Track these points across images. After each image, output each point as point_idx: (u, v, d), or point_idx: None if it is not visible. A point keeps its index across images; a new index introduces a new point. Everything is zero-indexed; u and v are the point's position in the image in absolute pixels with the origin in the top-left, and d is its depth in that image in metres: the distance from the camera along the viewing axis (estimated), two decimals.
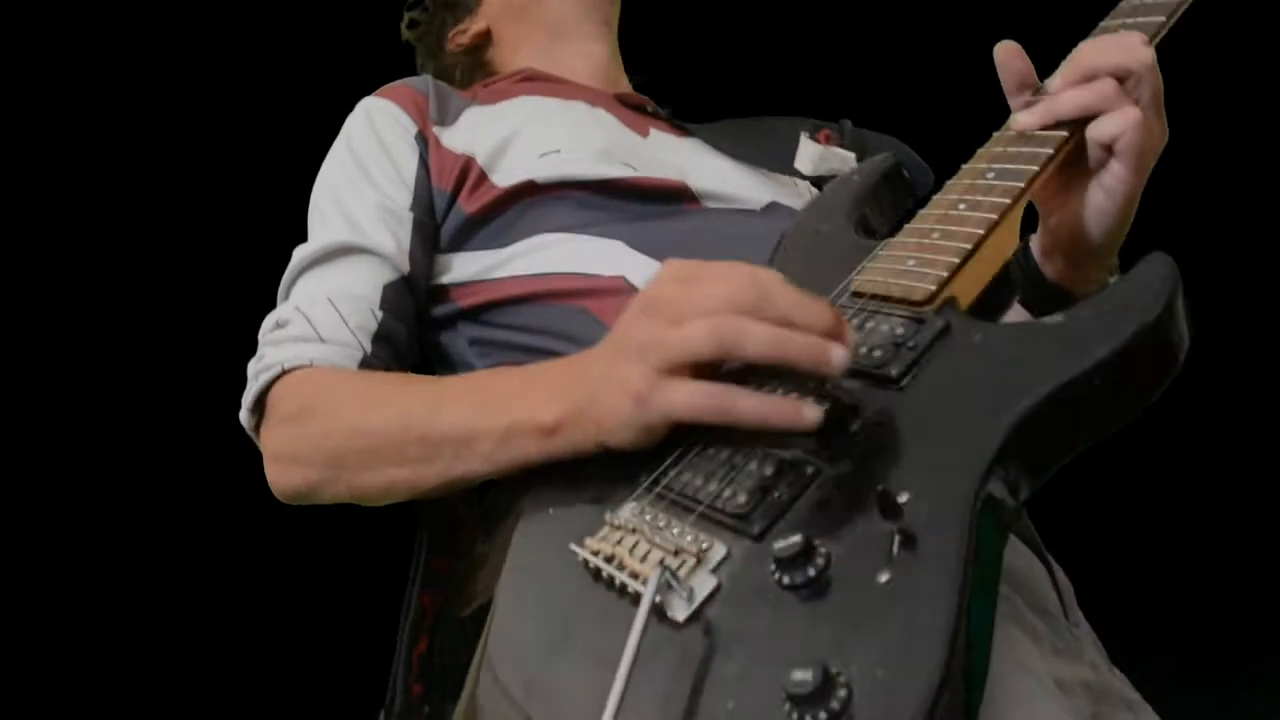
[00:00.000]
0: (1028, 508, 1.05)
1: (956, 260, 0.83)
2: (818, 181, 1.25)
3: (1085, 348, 0.70)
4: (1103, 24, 0.98)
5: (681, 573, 0.68)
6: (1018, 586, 0.93)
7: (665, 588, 0.67)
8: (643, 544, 0.72)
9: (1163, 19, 0.95)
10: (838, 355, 0.71)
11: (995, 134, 0.95)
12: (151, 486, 2.26)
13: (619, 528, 0.74)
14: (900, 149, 1.22)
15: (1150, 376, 0.73)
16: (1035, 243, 0.99)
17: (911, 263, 0.85)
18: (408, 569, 1.01)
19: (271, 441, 0.98)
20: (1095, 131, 0.88)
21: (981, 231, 0.85)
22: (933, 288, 0.81)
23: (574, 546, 0.75)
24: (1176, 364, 0.74)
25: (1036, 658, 0.87)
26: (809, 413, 0.71)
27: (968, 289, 0.85)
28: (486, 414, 0.85)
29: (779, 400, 0.73)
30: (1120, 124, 0.86)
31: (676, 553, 0.70)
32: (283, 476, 0.97)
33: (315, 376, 0.99)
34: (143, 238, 2.25)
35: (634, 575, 0.70)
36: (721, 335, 0.72)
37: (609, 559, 0.72)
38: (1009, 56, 0.92)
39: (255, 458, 1.02)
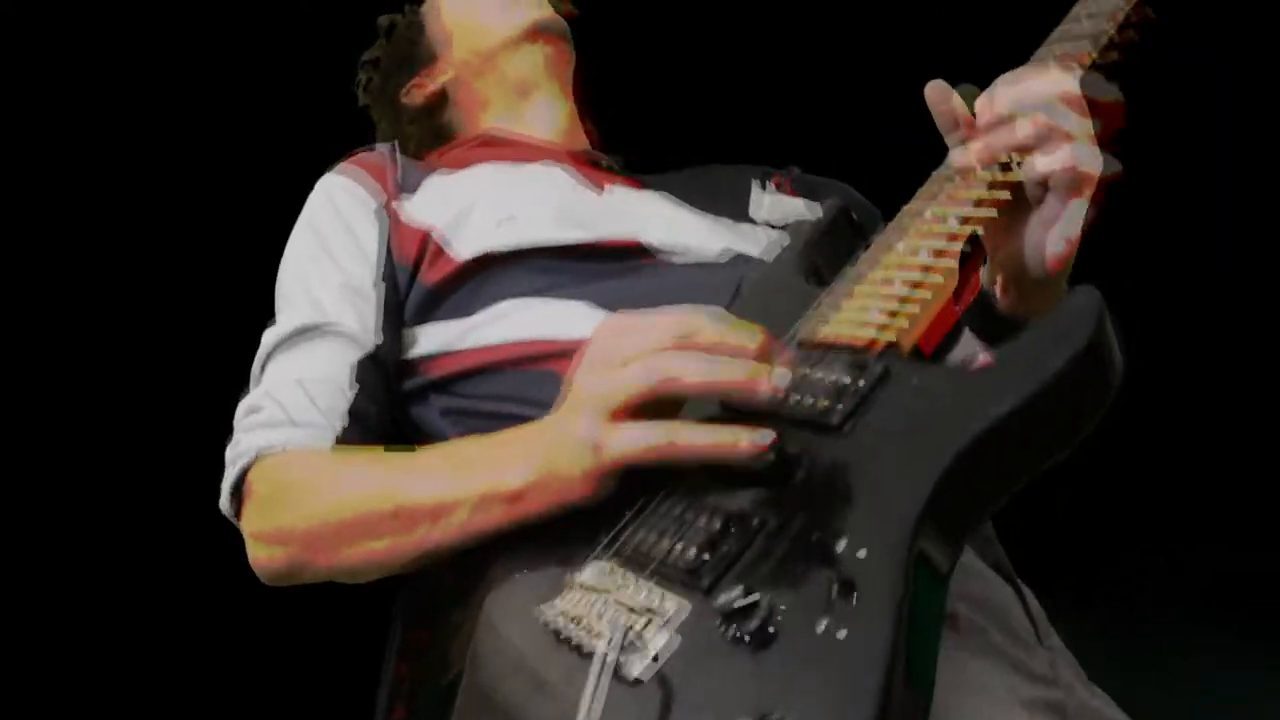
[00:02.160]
0: (999, 534, 1.08)
1: (905, 310, 0.85)
2: (773, 229, 1.28)
3: (1013, 386, 0.72)
4: (1036, 54, 1.01)
5: (637, 630, 0.70)
6: (986, 615, 0.94)
7: (623, 647, 0.70)
8: (603, 603, 0.74)
9: (1089, 48, 0.97)
10: (766, 380, 0.75)
11: (935, 173, 0.97)
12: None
13: (582, 588, 0.77)
14: (847, 193, 1.25)
15: (1083, 408, 0.74)
16: (985, 276, 1.01)
17: (855, 309, 0.87)
18: (383, 637, 1.04)
19: (251, 526, 1.01)
20: (1028, 170, 0.89)
21: (928, 281, 0.86)
22: (873, 334, 0.83)
23: (540, 609, 0.78)
24: (1109, 393, 0.76)
25: (1007, 685, 0.88)
26: (744, 443, 0.74)
27: (910, 332, 0.87)
28: (457, 484, 0.88)
29: (715, 433, 0.76)
30: (1050, 161, 0.87)
31: (634, 611, 0.72)
32: (264, 559, 1.00)
33: (289, 459, 1.02)
34: (130, 245, 2.28)
35: (595, 635, 0.72)
36: (654, 370, 0.77)
37: (574, 620, 0.75)
38: (937, 97, 0.94)
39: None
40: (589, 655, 0.71)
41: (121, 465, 2.24)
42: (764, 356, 0.76)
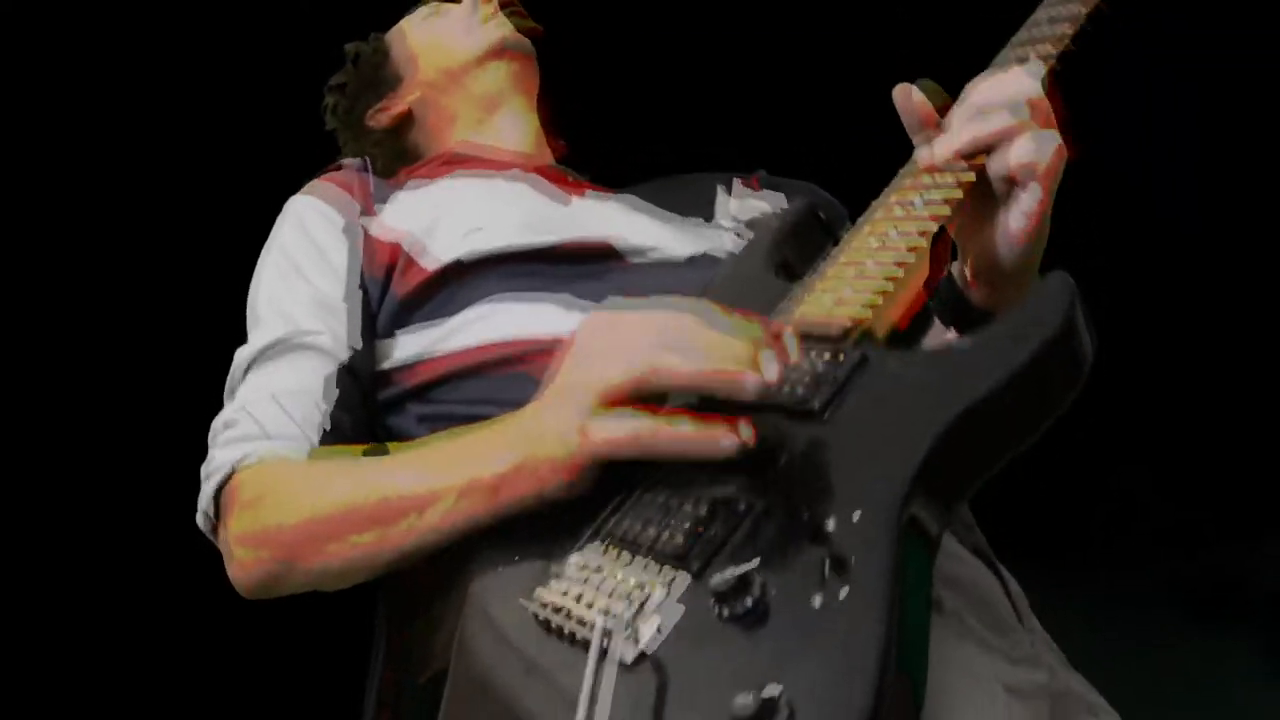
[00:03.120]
0: (977, 518, 1.10)
1: (879, 298, 0.87)
2: (740, 230, 1.29)
3: (990, 369, 0.74)
4: (996, 59, 1.04)
5: (627, 616, 0.70)
6: (968, 599, 0.95)
7: (615, 632, 0.70)
8: (589, 592, 0.74)
9: (1050, 50, 1.00)
10: (754, 375, 0.75)
11: (902, 170, 0.99)
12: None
13: (566, 578, 0.77)
14: (814, 192, 1.27)
15: (1057, 389, 0.76)
16: (956, 270, 1.03)
17: (830, 300, 0.89)
18: (367, 643, 1.03)
19: (230, 538, 1.00)
20: (994, 165, 0.92)
21: (900, 271, 0.88)
22: (848, 324, 0.84)
23: (524, 601, 0.78)
24: (1082, 374, 0.78)
25: (989, 668, 0.89)
26: (725, 439, 0.76)
27: (885, 320, 0.89)
28: (438, 477, 0.88)
29: (696, 428, 0.77)
30: (1015, 156, 0.90)
31: (623, 597, 0.72)
32: (244, 570, 0.99)
33: (265, 469, 1.02)
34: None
35: (582, 623, 0.72)
36: (637, 367, 0.78)
37: (558, 610, 0.75)
38: (903, 98, 0.97)
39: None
40: (580, 643, 0.71)
41: (100, 475, 2.21)
42: (755, 351, 0.77)
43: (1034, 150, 0.89)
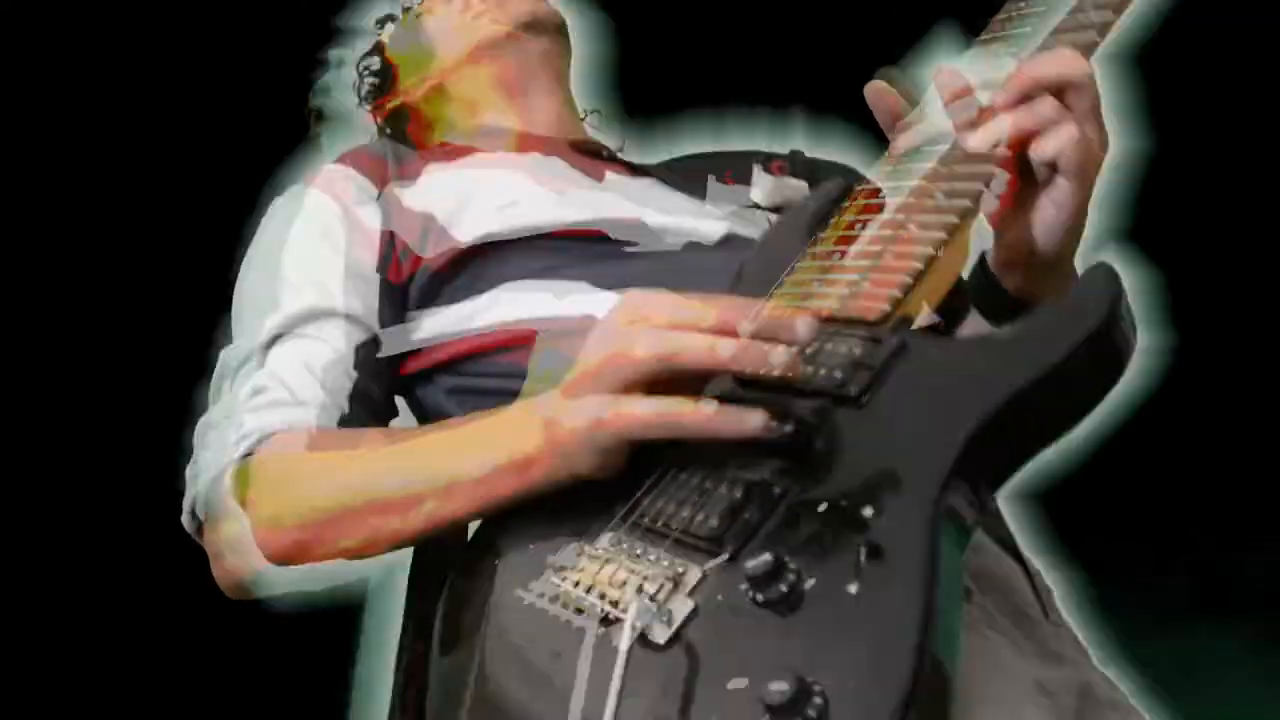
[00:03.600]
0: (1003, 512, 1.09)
1: (910, 280, 0.86)
2: (774, 211, 1.29)
3: (1034, 358, 0.73)
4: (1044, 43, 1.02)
5: (660, 597, 0.70)
6: (995, 592, 0.95)
7: (646, 613, 0.70)
8: (621, 572, 0.74)
9: (1096, 37, 0.98)
10: (778, 354, 0.75)
11: (879, 161, 0.98)
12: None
13: (597, 558, 0.77)
14: (851, 173, 1.26)
15: (1097, 381, 0.76)
16: (991, 257, 1.02)
17: (866, 284, 0.88)
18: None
19: (259, 506, 0.99)
20: (1037, 151, 0.89)
21: (932, 251, 0.87)
22: (887, 308, 0.84)
23: (555, 579, 0.77)
24: (1123, 368, 0.77)
25: (1016, 662, 0.89)
26: (752, 419, 0.75)
27: (920, 306, 0.88)
28: (466, 456, 0.88)
29: (723, 409, 0.76)
30: (1059, 143, 0.87)
31: (654, 579, 0.72)
32: (273, 539, 0.98)
33: (297, 438, 1.01)
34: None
35: (614, 603, 0.72)
36: (659, 348, 0.78)
37: (589, 589, 0.75)
38: (876, 95, 0.96)
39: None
40: (611, 623, 0.71)
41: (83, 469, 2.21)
42: (774, 335, 0.77)
43: (1075, 141, 0.87)
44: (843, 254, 0.92)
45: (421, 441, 0.97)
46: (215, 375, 1.14)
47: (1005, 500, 1.09)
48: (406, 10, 1.55)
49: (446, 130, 1.46)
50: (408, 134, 1.51)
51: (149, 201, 2.22)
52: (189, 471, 1.06)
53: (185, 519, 1.07)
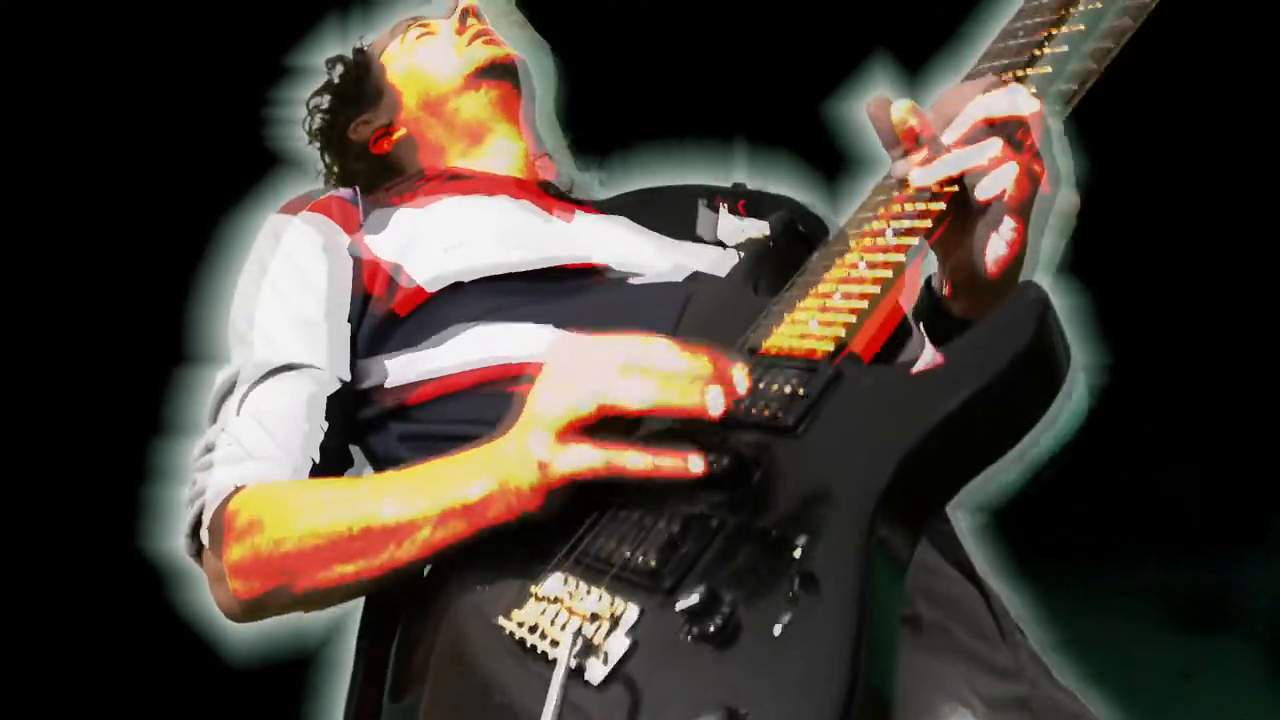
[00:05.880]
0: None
1: (854, 320, 0.86)
2: (723, 247, 1.29)
3: (961, 383, 0.73)
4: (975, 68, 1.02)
5: (597, 637, 0.71)
6: (949, 613, 0.95)
7: (583, 652, 0.70)
8: (563, 612, 0.74)
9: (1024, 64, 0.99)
10: (713, 397, 0.76)
11: (876, 185, 0.99)
12: None
13: (542, 598, 0.77)
14: (793, 205, 1.27)
15: (1030, 403, 0.76)
16: (935, 280, 1.03)
17: (813, 323, 0.88)
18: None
19: (225, 567, 1.00)
20: (981, 190, 0.89)
21: (865, 304, 0.87)
22: (830, 347, 0.84)
23: (501, 620, 0.78)
24: (1057, 386, 0.78)
25: (967, 682, 0.88)
26: (695, 462, 0.76)
27: (869, 341, 0.88)
28: (421, 502, 0.90)
29: (667, 452, 0.77)
30: (1003, 181, 0.88)
31: (593, 617, 0.72)
32: (233, 593, 0.99)
33: (253, 493, 1.02)
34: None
35: (554, 643, 0.72)
36: (598, 393, 0.79)
37: (533, 629, 0.75)
38: (879, 111, 0.94)
39: None
40: (552, 662, 0.71)
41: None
42: (711, 379, 0.78)
43: (1017, 180, 0.87)
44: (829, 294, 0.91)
45: (383, 486, 0.98)
46: (210, 396, 1.15)
47: (964, 520, 1.09)
48: (358, 51, 1.57)
49: (452, 159, 1.47)
50: (399, 163, 1.52)
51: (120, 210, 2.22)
52: (186, 494, 1.07)
53: (184, 542, 1.07)
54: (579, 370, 0.82)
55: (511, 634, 0.76)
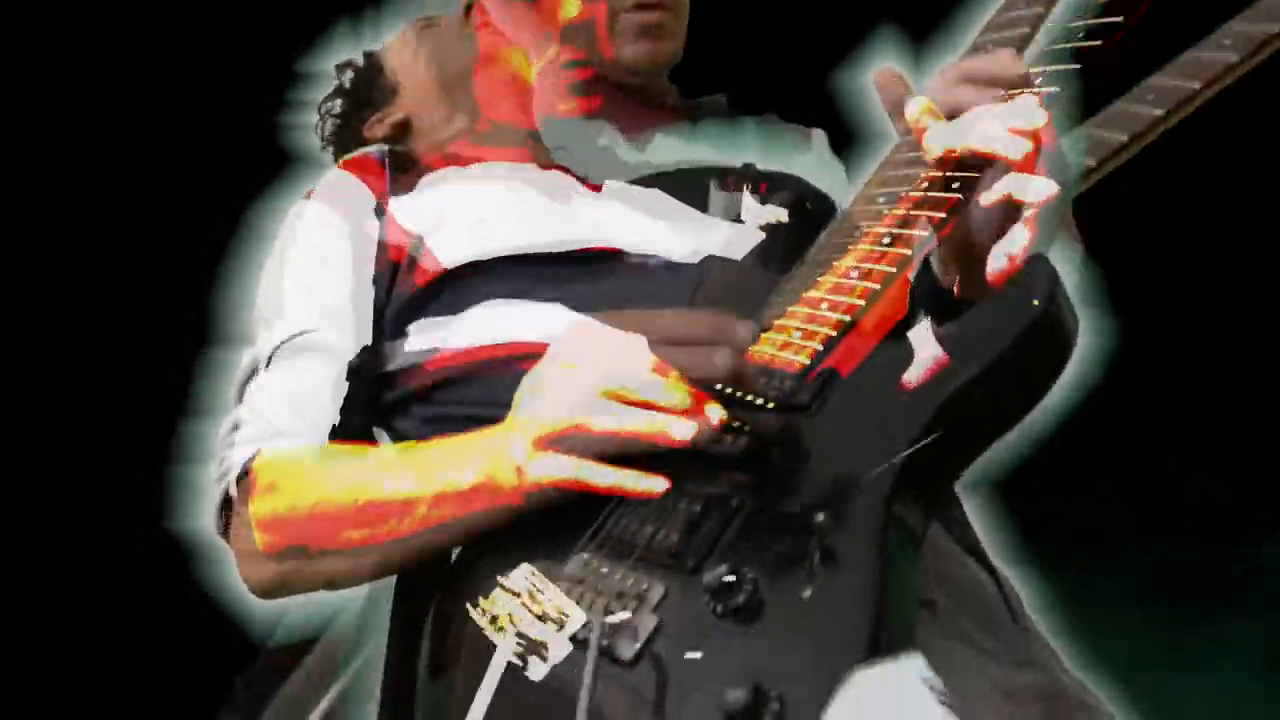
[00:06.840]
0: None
1: (834, 333, 0.85)
2: (738, 226, 1.29)
3: (975, 354, 0.76)
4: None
5: (625, 615, 0.73)
6: (961, 598, 0.96)
7: (613, 631, 0.72)
8: (589, 593, 0.77)
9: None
10: (679, 429, 0.79)
11: (882, 160, 1.00)
12: None
13: (568, 579, 0.80)
14: (799, 183, 1.27)
15: (1040, 372, 0.78)
16: (934, 260, 1.03)
17: (781, 340, 0.88)
18: None
19: (250, 519, 1.03)
20: (994, 187, 0.86)
21: (848, 317, 0.86)
22: (806, 362, 0.84)
23: (529, 603, 0.80)
24: (1066, 357, 0.80)
25: (979, 668, 0.90)
26: (658, 482, 0.79)
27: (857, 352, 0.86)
28: (419, 480, 0.94)
29: (633, 472, 0.81)
30: (1039, 195, 0.84)
31: (620, 597, 0.75)
32: (261, 548, 1.02)
33: (272, 459, 1.05)
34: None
35: (584, 624, 0.75)
36: (575, 414, 0.84)
37: (560, 611, 0.77)
38: (889, 83, 0.93)
39: None
40: (581, 643, 0.73)
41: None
42: (684, 409, 0.80)
43: (1034, 191, 0.84)
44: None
45: (389, 461, 1.02)
46: (237, 375, 1.18)
47: (975, 506, 1.10)
48: (368, 55, 1.57)
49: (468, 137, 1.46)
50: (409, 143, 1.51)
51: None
52: (214, 472, 1.10)
53: (212, 519, 1.10)
54: (565, 383, 0.86)
55: (540, 616, 0.78)
